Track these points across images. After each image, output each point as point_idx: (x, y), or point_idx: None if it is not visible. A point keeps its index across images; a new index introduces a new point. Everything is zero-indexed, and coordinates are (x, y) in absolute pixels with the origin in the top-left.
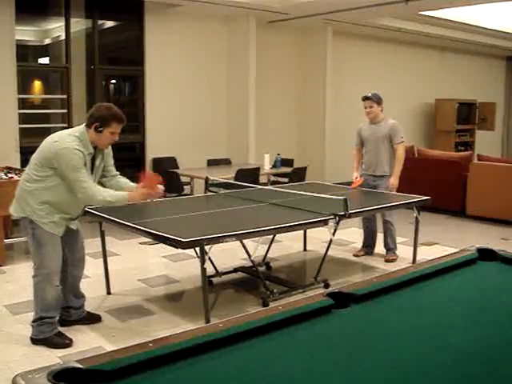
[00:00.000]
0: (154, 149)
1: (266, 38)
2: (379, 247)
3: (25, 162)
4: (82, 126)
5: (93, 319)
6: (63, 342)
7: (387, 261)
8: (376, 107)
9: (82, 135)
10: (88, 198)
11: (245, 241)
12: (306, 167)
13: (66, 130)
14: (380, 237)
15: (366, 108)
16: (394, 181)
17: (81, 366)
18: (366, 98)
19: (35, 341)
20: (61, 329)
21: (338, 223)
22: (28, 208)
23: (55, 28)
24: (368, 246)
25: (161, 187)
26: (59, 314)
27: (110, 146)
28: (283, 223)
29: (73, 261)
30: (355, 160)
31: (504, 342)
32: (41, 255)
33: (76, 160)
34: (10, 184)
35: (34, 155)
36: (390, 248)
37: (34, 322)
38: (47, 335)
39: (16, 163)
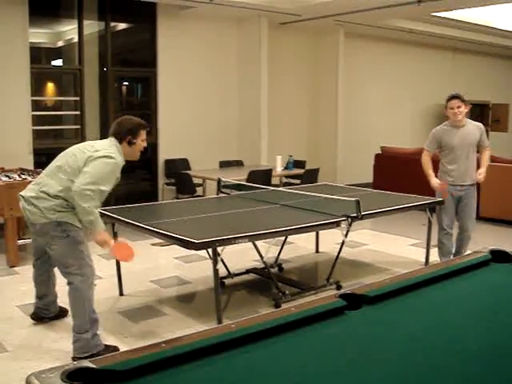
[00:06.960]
0: (167, 150)
1: (277, 40)
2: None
3: (38, 163)
4: (114, 140)
5: (63, 313)
6: (114, 349)
7: None
8: (463, 107)
9: (119, 148)
10: (88, 202)
11: (257, 242)
12: (318, 169)
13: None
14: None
15: (453, 109)
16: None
17: (94, 366)
18: (453, 97)
19: (84, 358)
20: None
21: (350, 225)
22: (55, 211)
23: (68, 30)
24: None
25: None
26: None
27: None
28: (295, 225)
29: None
30: (429, 166)
31: None
32: (82, 254)
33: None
34: (23, 185)
35: (68, 162)
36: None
37: (80, 335)
38: (99, 348)
39: (29, 165)
